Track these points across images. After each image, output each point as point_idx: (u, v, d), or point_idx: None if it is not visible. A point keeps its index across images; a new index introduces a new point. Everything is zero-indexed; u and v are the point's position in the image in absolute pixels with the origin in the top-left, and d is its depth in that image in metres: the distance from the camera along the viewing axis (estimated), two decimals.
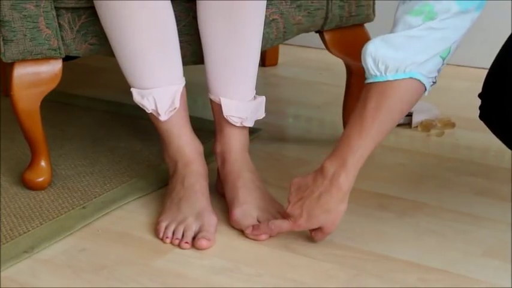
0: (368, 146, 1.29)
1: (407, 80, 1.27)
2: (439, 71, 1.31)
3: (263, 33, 1.52)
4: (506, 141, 1.34)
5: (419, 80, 1.28)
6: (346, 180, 1.29)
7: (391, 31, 1.28)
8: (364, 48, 1.29)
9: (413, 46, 1.25)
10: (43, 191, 1.57)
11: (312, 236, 1.36)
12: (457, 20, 1.25)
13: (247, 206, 1.43)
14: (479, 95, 1.34)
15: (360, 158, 1.29)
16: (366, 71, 1.29)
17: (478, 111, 1.35)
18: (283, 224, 1.35)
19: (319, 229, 1.34)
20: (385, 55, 1.26)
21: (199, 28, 1.46)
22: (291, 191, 1.34)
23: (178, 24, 1.48)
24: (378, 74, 1.27)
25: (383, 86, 1.27)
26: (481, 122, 1.36)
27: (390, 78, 1.27)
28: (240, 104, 1.48)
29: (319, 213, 1.31)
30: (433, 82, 1.31)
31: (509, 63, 1.29)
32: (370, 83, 1.28)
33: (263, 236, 1.38)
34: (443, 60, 1.29)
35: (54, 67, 1.52)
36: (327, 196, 1.30)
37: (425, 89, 1.30)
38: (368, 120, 1.28)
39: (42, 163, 1.57)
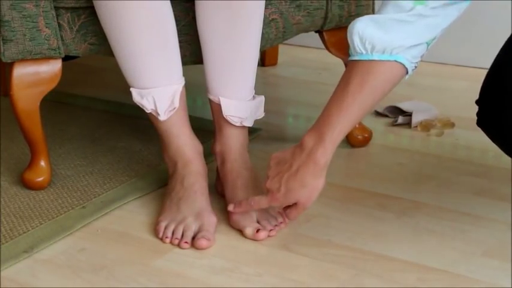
0: (347, 123, 1.29)
1: (392, 63, 1.27)
2: (421, 56, 1.31)
3: (262, 33, 1.52)
4: (505, 148, 1.33)
5: (403, 64, 1.28)
6: (323, 155, 1.29)
7: (379, 11, 1.27)
8: (351, 25, 1.29)
9: (402, 30, 1.25)
10: (43, 191, 1.57)
11: (286, 214, 1.36)
12: (447, 9, 1.25)
13: None
14: (477, 102, 1.34)
15: (338, 134, 1.29)
16: (351, 48, 1.29)
17: (476, 118, 1.35)
18: (262, 200, 1.36)
19: (293, 205, 1.34)
20: (373, 35, 1.26)
21: (198, 28, 1.46)
22: (270, 165, 1.35)
23: (177, 24, 1.48)
24: (364, 52, 1.27)
25: (368, 65, 1.27)
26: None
27: (376, 58, 1.26)
28: (240, 103, 1.48)
29: (297, 187, 1.31)
30: (415, 67, 1.31)
31: (505, 70, 1.29)
32: (355, 60, 1.28)
33: (262, 235, 1.38)
34: (428, 46, 1.30)
35: (54, 67, 1.52)
36: (304, 170, 1.30)
37: (407, 73, 1.30)
38: (349, 97, 1.28)
39: (42, 163, 1.57)
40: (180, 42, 1.48)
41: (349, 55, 1.30)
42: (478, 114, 1.34)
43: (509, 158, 1.63)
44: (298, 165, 1.30)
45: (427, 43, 1.29)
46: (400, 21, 1.25)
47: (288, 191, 1.32)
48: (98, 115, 2.00)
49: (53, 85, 1.53)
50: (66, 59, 1.54)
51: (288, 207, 1.36)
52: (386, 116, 1.97)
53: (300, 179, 1.30)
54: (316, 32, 1.70)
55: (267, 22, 1.56)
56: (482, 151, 1.75)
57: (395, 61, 1.27)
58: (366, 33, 1.26)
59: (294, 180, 1.31)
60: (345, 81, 1.29)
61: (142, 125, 1.85)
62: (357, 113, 1.29)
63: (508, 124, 1.27)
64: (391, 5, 1.25)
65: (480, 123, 1.33)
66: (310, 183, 1.31)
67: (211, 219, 1.40)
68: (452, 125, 1.90)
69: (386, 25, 1.25)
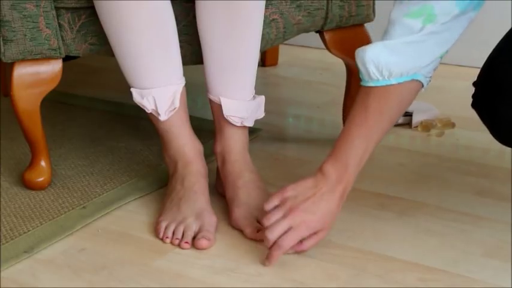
0: (370, 147, 1.31)
1: (409, 82, 1.28)
2: (435, 69, 1.32)
3: (263, 33, 1.52)
4: (494, 131, 1.34)
5: (419, 81, 1.29)
6: (349, 184, 1.30)
7: (387, 31, 1.27)
8: (361, 53, 1.28)
9: (416, 51, 1.26)
10: (43, 191, 1.57)
11: (301, 247, 1.31)
12: (457, 22, 1.25)
13: (248, 206, 1.43)
14: (474, 83, 1.35)
15: (361, 161, 1.31)
16: (365, 75, 1.28)
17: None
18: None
19: (314, 234, 1.31)
20: (388, 61, 1.26)
21: (199, 28, 1.46)
22: (285, 199, 1.30)
23: (178, 24, 1.48)
24: (381, 78, 1.27)
25: (385, 89, 1.28)
26: (481, 121, 1.36)
27: (394, 82, 1.27)
28: (240, 103, 1.48)
29: (324, 215, 1.29)
30: (429, 80, 1.32)
31: (504, 54, 1.30)
32: (371, 86, 1.29)
33: (262, 235, 1.38)
34: (441, 59, 1.31)
35: (54, 67, 1.52)
36: (329, 197, 1.29)
37: (423, 86, 1.32)
38: (370, 123, 1.28)
39: (42, 163, 1.57)
40: (180, 42, 1.48)
41: (360, 80, 1.30)
42: (473, 96, 1.34)
43: (510, 158, 1.64)
44: (322, 193, 1.29)
45: (440, 57, 1.29)
46: (411, 43, 1.25)
47: (315, 216, 1.29)
48: (98, 115, 2.00)
49: (53, 85, 1.53)
50: (66, 59, 1.54)
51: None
52: None
53: (328, 205, 1.29)
54: (316, 32, 1.70)
55: (268, 22, 1.56)
56: (483, 151, 1.75)
57: (413, 79, 1.28)
58: (380, 61, 1.26)
59: (322, 205, 1.29)
60: (363, 108, 1.29)
61: (143, 125, 1.85)
62: (379, 135, 1.31)
63: (500, 110, 1.28)
64: (399, 27, 1.25)
65: (474, 105, 1.34)
66: (337, 211, 1.31)
67: (211, 219, 1.40)
68: (453, 125, 1.90)
69: (400, 50, 1.25)
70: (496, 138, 1.35)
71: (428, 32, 1.24)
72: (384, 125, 1.30)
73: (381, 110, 1.28)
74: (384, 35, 1.28)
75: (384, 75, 1.26)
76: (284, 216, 1.28)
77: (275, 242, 1.28)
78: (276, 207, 1.30)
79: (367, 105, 1.28)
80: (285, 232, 1.28)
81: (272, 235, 1.28)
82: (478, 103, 1.34)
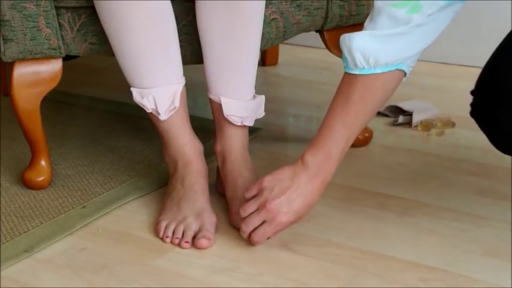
0: (352, 136, 1.31)
1: (393, 71, 1.28)
2: (417, 59, 1.33)
3: (263, 33, 1.52)
4: (494, 139, 1.34)
5: (403, 70, 1.30)
6: (331, 172, 1.30)
7: (373, 19, 1.27)
8: (347, 41, 1.28)
9: (403, 42, 1.26)
10: (43, 191, 1.57)
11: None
12: (443, 13, 1.26)
13: None
14: (471, 92, 1.35)
15: (344, 149, 1.30)
16: (350, 63, 1.28)
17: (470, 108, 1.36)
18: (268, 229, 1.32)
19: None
20: (375, 49, 1.26)
21: (199, 28, 1.46)
22: (263, 190, 1.31)
23: (178, 24, 1.48)
24: (366, 67, 1.27)
25: (369, 78, 1.28)
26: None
27: (379, 71, 1.27)
28: (240, 103, 1.48)
29: (302, 207, 1.30)
30: (411, 68, 1.33)
31: (501, 64, 1.30)
32: (355, 74, 1.29)
33: None
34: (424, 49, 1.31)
35: (54, 66, 1.52)
36: (310, 187, 1.29)
37: (405, 75, 1.32)
38: (352, 112, 1.28)
39: (42, 162, 1.57)
40: (180, 41, 1.48)
41: (344, 67, 1.30)
42: (472, 104, 1.34)
43: (510, 158, 1.64)
44: (299, 185, 1.29)
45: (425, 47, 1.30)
46: (398, 34, 1.25)
47: (295, 212, 1.30)
48: (98, 115, 2.00)
49: (53, 85, 1.53)
50: (66, 58, 1.54)
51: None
52: (387, 115, 1.97)
53: (304, 197, 1.30)
54: (316, 31, 1.70)
55: (268, 22, 1.56)
56: (483, 151, 1.75)
57: (397, 69, 1.28)
58: (367, 49, 1.26)
59: (298, 198, 1.29)
60: (345, 96, 1.29)
61: (143, 125, 1.85)
62: (361, 124, 1.31)
63: (500, 118, 1.28)
64: (386, 18, 1.25)
65: (473, 113, 1.34)
66: (314, 201, 1.31)
67: (211, 218, 1.40)
68: (453, 124, 1.90)
69: (387, 40, 1.26)
70: (495, 147, 1.34)
71: (415, 24, 1.24)
72: (366, 114, 1.30)
73: (364, 99, 1.28)
74: (370, 22, 1.27)
75: (370, 64, 1.27)
76: (259, 210, 1.30)
77: (250, 234, 1.32)
78: (254, 197, 1.32)
79: (350, 94, 1.29)
80: (260, 225, 1.31)
81: (247, 228, 1.32)
82: (476, 112, 1.33)
